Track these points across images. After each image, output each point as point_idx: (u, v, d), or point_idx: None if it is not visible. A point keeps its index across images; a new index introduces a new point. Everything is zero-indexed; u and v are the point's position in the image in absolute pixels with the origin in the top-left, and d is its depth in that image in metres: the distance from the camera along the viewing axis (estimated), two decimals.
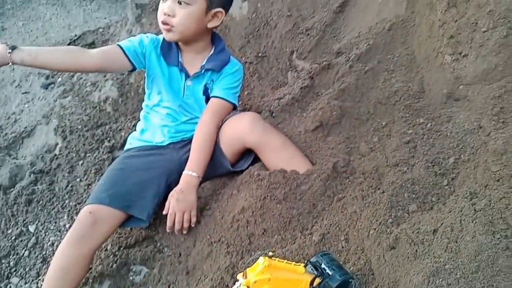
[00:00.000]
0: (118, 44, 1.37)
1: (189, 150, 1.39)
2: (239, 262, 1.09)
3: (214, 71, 1.42)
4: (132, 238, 1.32)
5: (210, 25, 1.36)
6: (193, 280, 1.12)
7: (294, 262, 0.80)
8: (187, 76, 1.41)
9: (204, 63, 1.41)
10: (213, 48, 1.45)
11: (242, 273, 0.76)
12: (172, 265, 1.21)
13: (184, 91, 1.42)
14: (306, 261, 0.83)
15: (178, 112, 1.44)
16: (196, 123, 1.42)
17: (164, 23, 1.32)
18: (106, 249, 1.30)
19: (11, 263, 1.40)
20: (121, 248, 1.29)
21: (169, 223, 1.25)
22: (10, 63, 1.18)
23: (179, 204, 1.24)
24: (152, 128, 1.46)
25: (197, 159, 1.32)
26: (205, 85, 1.44)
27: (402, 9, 1.57)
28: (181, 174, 1.35)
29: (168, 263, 1.22)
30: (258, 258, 0.77)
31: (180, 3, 1.28)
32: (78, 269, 1.16)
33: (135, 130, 1.52)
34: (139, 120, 1.54)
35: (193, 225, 1.26)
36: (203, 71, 1.41)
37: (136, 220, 1.27)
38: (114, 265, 1.24)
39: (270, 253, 0.77)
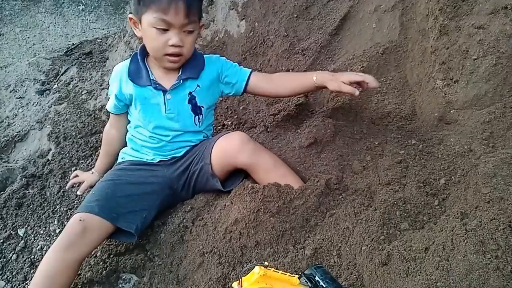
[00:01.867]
0: (109, 111, 1.51)
1: (179, 166, 1.41)
2: (231, 273, 1.09)
3: (193, 79, 1.41)
4: (122, 246, 1.31)
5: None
6: None
7: (288, 273, 0.81)
8: (164, 91, 1.38)
9: (180, 73, 1.38)
10: None
11: (238, 281, 0.77)
12: (163, 274, 1.20)
13: (165, 107, 1.39)
14: (300, 273, 0.84)
15: (161, 133, 1.42)
16: (182, 140, 1.43)
17: (175, 55, 1.31)
18: (96, 256, 1.29)
19: None
20: (111, 256, 1.28)
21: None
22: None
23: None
24: (140, 149, 1.46)
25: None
26: (189, 93, 1.41)
27: (395, 35, 1.63)
28: (172, 190, 1.39)
29: (158, 272, 1.21)
30: (254, 267, 0.77)
31: (189, 32, 1.29)
32: (64, 277, 1.14)
33: (126, 145, 1.52)
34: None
35: None
36: (181, 81, 1.38)
37: (124, 234, 1.27)
38: (104, 272, 1.23)
39: (266, 263, 0.78)
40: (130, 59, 1.42)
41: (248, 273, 0.79)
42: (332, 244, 1.10)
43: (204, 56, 1.46)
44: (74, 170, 1.66)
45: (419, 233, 1.02)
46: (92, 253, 1.30)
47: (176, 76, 1.39)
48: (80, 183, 1.59)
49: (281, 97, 1.70)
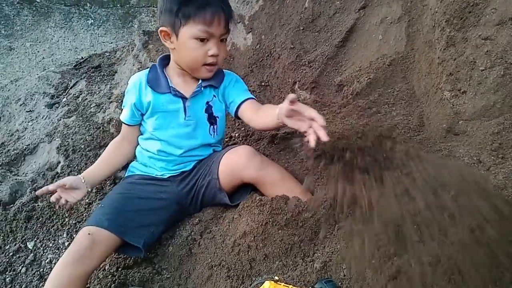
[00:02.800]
0: (122, 121, 1.47)
1: (188, 182, 1.42)
2: (240, 287, 1.08)
3: (213, 87, 1.44)
4: (131, 260, 1.31)
5: None
6: None
7: (298, 287, 0.81)
8: (184, 98, 1.40)
9: (200, 81, 1.41)
10: None
11: None
12: (171, 287, 1.20)
13: (185, 113, 1.40)
14: (310, 287, 0.83)
15: (175, 143, 1.42)
16: (193, 155, 1.44)
17: (212, 64, 1.35)
18: (104, 269, 1.29)
19: (7, 280, 1.37)
20: (119, 269, 1.28)
21: None
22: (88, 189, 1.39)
23: None
24: (149, 163, 1.46)
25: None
26: (206, 103, 1.43)
27: (401, 46, 1.63)
28: (181, 206, 1.40)
29: (167, 285, 1.20)
30: (264, 282, 0.77)
31: (223, 40, 1.33)
32: None
33: (135, 158, 1.52)
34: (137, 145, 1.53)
35: None
36: (202, 89, 1.41)
37: (132, 249, 1.27)
38: (112, 285, 1.23)
39: (276, 277, 0.77)
40: (148, 69, 1.43)
41: (259, 287, 0.78)
42: (341, 257, 1.09)
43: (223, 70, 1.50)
44: None
45: (429, 246, 1.01)
46: (101, 266, 1.30)
47: (195, 85, 1.41)
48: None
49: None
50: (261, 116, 1.34)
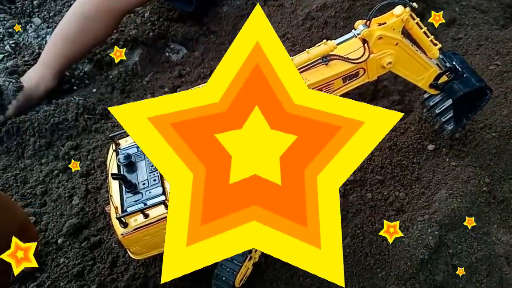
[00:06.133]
0: None
1: None
2: None
3: None
4: (175, 13, 1.07)
5: None
6: None
7: (432, 37, 0.58)
8: None
9: None
10: None
11: (365, 20, 0.54)
12: (218, 52, 0.98)
13: None
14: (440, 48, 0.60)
15: None
16: None
17: None
18: (143, 16, 1.07)
19: (35, 3, 1.17)
20: (161, 19, 1.06)
21: None
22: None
23: None
24: None
25: None
26: None
27: None
28: None
29: (213, 49, 0.99)
30: (395, 7, 0.53)
31: None
32: (103, 23, 0.94)
33: None
34: None
35: None
36: None
37: (181, 1, 1.04)
38: (151, 33, 1.02)
39: (415, 4, 0.53)
40: None
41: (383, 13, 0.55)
42: None
43: None
44: None
45: None
46: (139, 11, 1.08)
47: None
48: None
49: None
50: None
